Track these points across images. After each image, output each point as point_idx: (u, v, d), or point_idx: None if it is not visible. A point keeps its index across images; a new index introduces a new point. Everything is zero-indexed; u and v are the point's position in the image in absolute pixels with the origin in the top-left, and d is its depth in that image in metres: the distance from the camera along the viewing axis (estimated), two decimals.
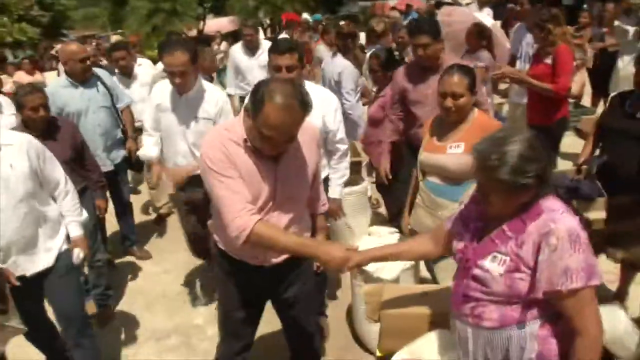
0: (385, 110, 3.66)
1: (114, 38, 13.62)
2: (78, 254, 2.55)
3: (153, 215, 5.04)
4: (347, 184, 3.58)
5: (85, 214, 2.68)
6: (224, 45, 11.48)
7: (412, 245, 2.07)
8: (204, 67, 4.24)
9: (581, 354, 1.51)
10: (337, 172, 2.93)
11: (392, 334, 2.21)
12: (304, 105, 1.79)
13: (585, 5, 12.29)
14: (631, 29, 5.51)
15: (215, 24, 16.99)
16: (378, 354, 2.31)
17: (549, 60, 3.81)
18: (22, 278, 2.34)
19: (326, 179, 2.88)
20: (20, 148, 2.33)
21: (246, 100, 1.98)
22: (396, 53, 5.01)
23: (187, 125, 3.10)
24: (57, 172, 2.51)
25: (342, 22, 8.85)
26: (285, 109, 1.73)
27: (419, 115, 3.30)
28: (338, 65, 4.67)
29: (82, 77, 3.72)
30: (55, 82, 3.91)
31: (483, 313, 1.63)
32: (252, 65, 5.55)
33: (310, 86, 2.70)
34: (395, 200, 3.64)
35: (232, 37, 13.38)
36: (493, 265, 1.58)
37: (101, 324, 3.45)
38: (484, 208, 1.65)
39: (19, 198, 2.30)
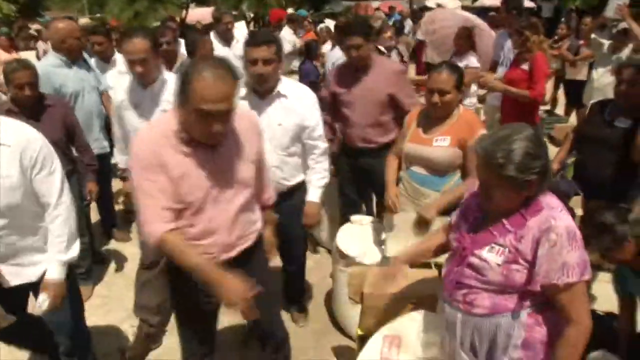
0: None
1: (83, 21, 13.30)
2: (44, 300, 2.10)
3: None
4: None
5: (73, 253, 2.20)
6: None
7: (432, 241, 2.10)
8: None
9: (573, 341, 1.61)
10: (315, 173, 2.83)
11: (373, 314, 2.31)
12: (232, 71, 1.75)
13: (563, 19, 12.76)
14: (606, 42, 5.76)
15: (198, 14, 16.85)
16: (359, 332, 2.40)
17: (525, 67, 4.00)
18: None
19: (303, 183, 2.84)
20: (15, 151, 2.00)
21: None
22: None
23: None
24: (50, 190, 2.12)
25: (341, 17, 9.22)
26: (216, 78, 1.70)
27: (349, 115, 3.29)
28: (334, 56, 5.06)
29: (76, 55, 3.68)
30: (45, 62, 3.73)
31: (475, 300, 1.72)
32: (228, 56, 5.08)
33: (287, 82, 2.69)
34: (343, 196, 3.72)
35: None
36: (491, 255, 1.66)
37: None
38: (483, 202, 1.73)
39: None
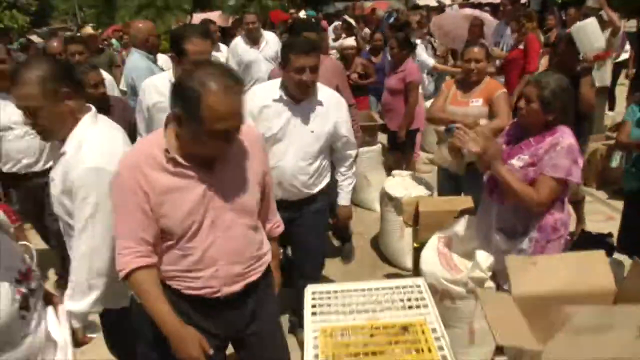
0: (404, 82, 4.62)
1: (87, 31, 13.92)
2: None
3: None
4: (365, 144, 4.53)
5: (77, 307, 1.87)
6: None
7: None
8: None
9: (526, 194, 2.32)
10: (347, 179, 2.92)
11: (428, 229, 3.09)
12: (239, 79, 1.60)
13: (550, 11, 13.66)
14: None
15: (201, 19, 17.54)
16: (415, 245, 3.20)
17: (521, 46, 4.93)
18: None
19: (334, 183, 2.93)
20: (68, 165, 1.85)
21: None
22: None
23: None
24: (78, 216, 1.86)
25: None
26: (227, 90, 1.52)
27: None
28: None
29: (156, 52, 4.35)
30: (137, 57, 4.12)
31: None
32: (258, 58, 5.11)
33: (323, 89, 2.68)
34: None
35: (221, 33, 14.00)
36: (515, 161, 2.44)
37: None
38: (519, 128, 2.50)
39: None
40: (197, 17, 19.39)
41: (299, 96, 2.57)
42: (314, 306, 2.09)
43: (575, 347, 1.65)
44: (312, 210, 2.79)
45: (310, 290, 2.23)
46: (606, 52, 5.49)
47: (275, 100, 2.58)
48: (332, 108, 2.68)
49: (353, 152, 2.89)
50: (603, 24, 6.31)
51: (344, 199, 2.93)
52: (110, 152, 1.88)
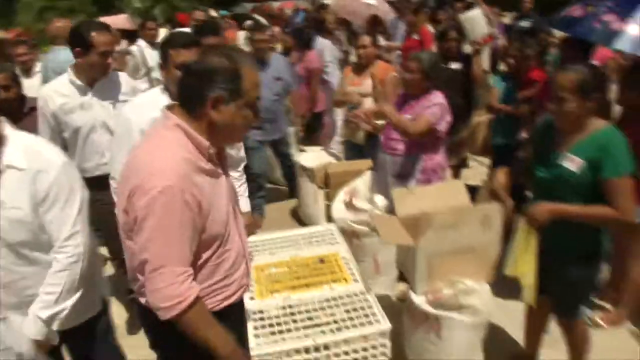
0: None
1: None
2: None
3: None
4: None
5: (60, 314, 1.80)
6: (124, 43, 12.15)
7: None
8: None
9: (404, 125, 3.04)
10: (243, 185, 2.80)
11: (336, 187, 3.66)
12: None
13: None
14: None
15: (109, 22, 17.27)
16: (327, 203, 3.78)
17: (416, 37, 5.70)
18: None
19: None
20: (27, 178, 1.71)
21: None
22: None
23: None
24: (59, 228, 1.77)
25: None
26: (251, 61, 1.60)
27: None
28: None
29: None
30: (65, 54, 4.02)
31: (397, 145, 3.16)
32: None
33: None
34: None
35: (130, 36, 13.94)
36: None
37: None
38: (404, 95, 3.16)
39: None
40: (103, 20, 19.06)
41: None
42: None
43: (439, 240, 2.30)
44: None
45: None
46: (489, 38, 6.40)
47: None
48: None
49: (244, 156, 2.83)
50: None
51: (245, 205, 2.71)
52: (51, 146, 1.89)
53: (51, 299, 1.77)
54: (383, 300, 2.63)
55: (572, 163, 2.14)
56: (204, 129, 1.54)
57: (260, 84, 1.61)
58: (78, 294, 1.84)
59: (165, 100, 2.31)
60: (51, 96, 2.78)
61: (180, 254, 1.47)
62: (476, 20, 4.56)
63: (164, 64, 2.35)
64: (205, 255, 1.59)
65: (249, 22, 10.17)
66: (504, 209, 2.35)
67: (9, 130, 1.77)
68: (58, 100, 2.77)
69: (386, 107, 3.09)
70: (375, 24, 6.46)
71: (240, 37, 5.74)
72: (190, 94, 1.54)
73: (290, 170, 4.81)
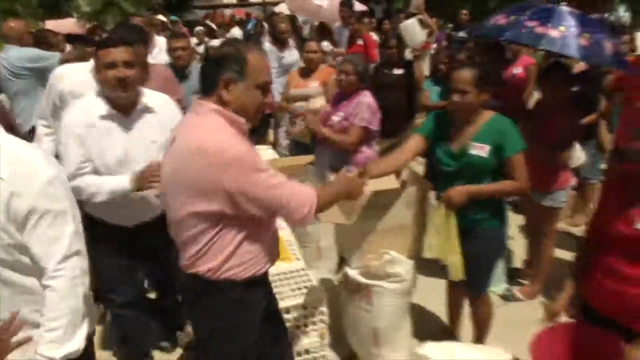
0: None
1: None
2: None
3: None
4: None
5: (72, 348, 1.55)
6: (69, 48, 12.05)
7: None
8: None
9: (341, 142, 3.42)
10: None
11: None
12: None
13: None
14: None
15: (55, 25, 16.95)
16: None
17: (360, 42, 6.07)
18: None
19: None
20: (5, 188, 1.47)
21: None
22: None
23: None
24: (48, 250, 1.53)
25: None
26: (259, 51, 1.84)
27: None
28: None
29: None
30: (18, 51, 4.49)
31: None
32: None
33: (148, 94, 2.48)
34: None
35: (81, 40, 13.78)
36: (336, 117, 3.44)
37: None
38: (339, 94, 3.47)
39: None
40: (50, 24, 18.68)
41: (119, 100, 2.33)
42: None
43: (370, 219, 2.60)
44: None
45: None
46: (427, 44, 6.86)
47: (102, 118, 2.33)
48: (165, 112, 2.49)
49: None
50: (423, 25, 7.81)
51: None
52: (43, 155, 1.63)
53: (59, 335, 1.52)
54: (326, 284, 2.93)
55: (481, 150, 2.48)
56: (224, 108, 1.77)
57: (267, 68, 1.82)
58: (86, 325, 1.63)
59: (100, 104, 2.32)
60: (69, 77, 2.89)
61: (290, 184, 1.79)
62: (413, 28, 4.94)
63: (97, 67, 2.34)
64: (266, 224, 1.88)
65: (199, 28, 10.40)
66: (423, 191, 2.68)
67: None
68: (70, 85, 2.84)
69: (325, 132, 3.41)
70: (323, 31, 6.82)
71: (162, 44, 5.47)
72: (207, 79, 1.79)
73: None
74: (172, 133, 1.88)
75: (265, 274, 1.98)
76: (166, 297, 3.01)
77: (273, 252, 1.96)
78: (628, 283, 1.85)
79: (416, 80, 4.72)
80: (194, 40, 10.10)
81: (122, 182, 2.32)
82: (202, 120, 1.75)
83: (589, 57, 3.13)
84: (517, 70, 4.45)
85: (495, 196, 2.54)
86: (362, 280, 2.62)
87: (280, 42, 5.61)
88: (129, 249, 2.54)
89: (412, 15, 8.25)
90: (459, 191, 2.46)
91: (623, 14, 14.36)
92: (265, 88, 1.81)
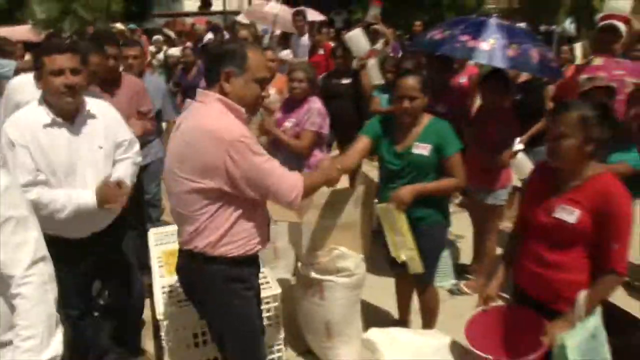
0: None
1: None
2: None
3: None
4: None
5: (51, 354, 1.49)
6: (27, 56, 11.80)
7: None
8: None
9: (294, 146, 3.58)
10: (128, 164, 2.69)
11: None
12: None
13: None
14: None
15: (9, 32, 16.53)
16: None
17: (322, 52, 6.24)
18: None
19: None
20: None
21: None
22: None
23: None
24: (14, 256, 1.48)
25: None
26: (259, 49, 2.07)
27: None
28: None
29: None
30: None
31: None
32: None
33: (90, 101, 2.45)
34: None
35: (34, 48, 13.50)
36: (288, 123, 3.58)
37: None
38: (290, 101, 3.63)
39: None
40: (3, 31, 18.17)
41: (64, 107, 2.30)
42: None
43: (320, 216, 2.73)
44: (115, 237, 2.67)
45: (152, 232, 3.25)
46: (372, 52, 7.07)
47: (47, 126, 2.29)
48: (109, 118, 2.51)
49: (130, 136, 2.64)
50: (377, 35, 8.07)
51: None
52: None
53: (36, 343, 1.46)
54: (283, 283, 3.04)
55: (424, 149, 2.67)
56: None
57: (265, 65, 2.02)
58: (60, 330, 1.57)
59: (42, 112, 2.29)
60: (27, 88, 2.78)
61: (279, 166, 1.98)
62: (357, 38, 5.09)
63: (39, 74, 2.28)
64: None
65: (157, 37, 10.39)
66: (372, 190, 2.83)
67: None
68: (27, 95, 2.73)
69: (279, 133, 3.56)
70: (286, 41, 6.99)
71: None
72: (210, 72, 1.96)
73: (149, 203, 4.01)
74: (177, 120, 2.09)
75: (257, 255, 2.12)
76: (121, 304, 2.93)
77: (264, 234, 2.11)
78: (548, 268, 2.05)
79: (363, 89, 4.90)
80: (152, 49, 10.11)
81: (86, 198, 2.32)
82: (207, 107, 1.94)
83: (517, 67, 3.39)
84: (463, 79, 4.71)
85: (439, 193, 2.72)
86: (314, 275, 2.75)
87: None
88: (84, 259, 2.51)
89: (370, 25, 8.55)
90: (407, 190, 2.63)
91: (569, 26, 15.18)
92: (263, 83, 1.99)
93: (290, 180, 1.98)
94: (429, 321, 3.04)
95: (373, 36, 8.17)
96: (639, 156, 3.07)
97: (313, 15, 9.51)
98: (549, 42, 8.92)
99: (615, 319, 2.93)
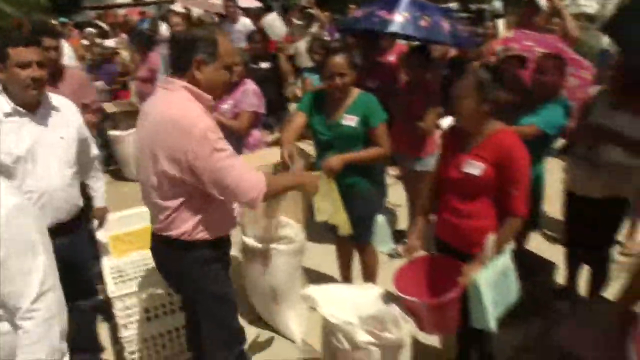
0: None
1: None
2: None
3: None
4: (130, 127, 5.41)
5: None
6: None
7: None
8: None
9: (232, 125, 3.75)
10: (99, 181, 2.87)
11: None
12: None
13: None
14: (301, 22, 8.46)
15: None
16: None
17: None
18: None
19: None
20: None
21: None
22: None
23: None
24: (21, 289, 1.41)
25: None
26: (227, 36, 2.05)
27: None
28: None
29: None
30: None
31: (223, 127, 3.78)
32: None
33: (52, 96, 2.50)
34: None
35: None
36: (226, 106, 3.71)
37: None
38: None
39: None
40: None
41: (28, 99, 2.32)
42: None
43: None
44: (81, 231, 2.69)
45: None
46: (288, 37, 7.23)
47: (7, 115, 2.31)
48: (68, 112, 2.55)
49: (97, 152, 2.83)
50: (313, 19, 8.23)
51: (101, 200, 2.89)
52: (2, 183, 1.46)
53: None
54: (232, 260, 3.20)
55: (351, 121, 2.88)
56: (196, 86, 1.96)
57: (233, 50, 2.06)
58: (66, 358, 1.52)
59: (2, 101, 2.31)
60: None
61: (243, 164, 2.00)
62: (273, 23, 5.26)
63: (2, 66, 2.28)
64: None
65: (89, 30, 10.15)
66: (308, 163, 3.04)
67: None
68: None
69: (219, 117, 3.59)
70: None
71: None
72: (180, 60, 1.96)
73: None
74: (142, 107, 2.10)
75: (229, 236, 2.23)
76: (83, 300, 2.74)
77: (234, 214, 2.20)
78: (461, 217, 2.32)
79: (282, 73, 5.08)
80: (84, 42, 9.86)
81: None
82: (172, 95, 1.95)
83: (429, 36, 3.68)
84: (392, 57, 4.97)
85: (365, 161, 2.93)
86: (258, 244, 2.93)
87: None
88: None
89: (304, 9, 8.70)
90: (336, 159, 2.82)
91: (498, 4, 15.90)
92: (231, 68, 2.05)
93: (252, 180, 1.98)
94: (369, 279, 3.28)
95: (308, 20, 8.36)
96: (545, 119, 3.40)
97: (246, 1, 9.55)
98: (481, 20, 9.40)
99: (528, 263, 3.30)
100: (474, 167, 2.22)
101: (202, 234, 2.04)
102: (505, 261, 2.28)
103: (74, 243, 2.54)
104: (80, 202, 2.61)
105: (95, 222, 2.94)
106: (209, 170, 1.89)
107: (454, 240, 2.39)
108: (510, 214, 2.23)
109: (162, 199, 1.99)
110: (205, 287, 2.14)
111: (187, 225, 2.01)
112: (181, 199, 1.98)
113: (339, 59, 2.84)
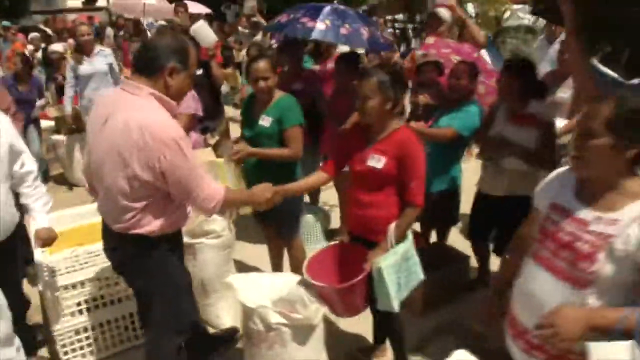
0: None
1: None
2: None
3: None
4: None
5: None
6: None
7: None
8: None
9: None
10: (40, 200, 2.71)
11: None
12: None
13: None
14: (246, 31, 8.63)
15: None
16: None
17: None
18: None
19: None
20: None
21: None
22: None
23: None
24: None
25: None
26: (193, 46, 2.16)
27: None
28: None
29: None
30: None
31: None
32: None
33: None
34: None
35: None
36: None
37: None
38: None
39: None
40: None
41: None
42: None
43: None
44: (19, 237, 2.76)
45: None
46: (219, 43, 7.33)
47: None
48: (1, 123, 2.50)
49: (35, 167, 2.69)
50: (258, 27, 8.43)
51: (45, 221, 2.70)
52: None
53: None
54: None
55: (266, 122, 3.08)
56: (161, 92, 2.01)
57: (198, 59, 2.15)
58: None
59: None
60: None
61: (204, 175, 2.09)
62: (203, 30, 5.35)
63: None
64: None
65: (34, 35, 10.03)
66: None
67: None
68: None
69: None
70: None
71: None
72: (151, 64, 1.99)
73: None
74: (97, 109, 2.12)
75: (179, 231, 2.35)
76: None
77: (188, 211, 2.32)
78: (366, 208, 2.54)
79: (215, 78, 5.23)
80: (30, 47, 9.75)
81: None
82: (139, 101, 1.96)
83: (349, 42, 3.98)
84: (331, 65, 5.21)
85: (271, 158, 3.09)
86: (186, 240, 3.07)
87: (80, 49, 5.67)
88: None
89: (249, 17, 8.89)
90: (243, 146, 3.04)
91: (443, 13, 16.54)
92: (192, 78, 2.14)
93: (213, 190, 2.09)
94: (296, 271, 3.45)
95: (253, 28, 8.56)
96: (462, 122, 3.67)
97: (196, 7, 9.66)
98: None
99: (444, 255, 3.56)
100: (377, 161, 2.44)
101: (165, 229, 2.13)
102: (406, 247, 2.50)
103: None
104: (16, 219, 2.64)
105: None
106: (178, 176, 1.97)
107: (360, 229, 2.60)
108: (409, 204, 2.46)
109: (129, 200, 2.02)
110: (165, 278, 2.22)
111: (154, 223, 2.08)
112: (149, 200, 2.04)
113: (261, 64, 3.04)
